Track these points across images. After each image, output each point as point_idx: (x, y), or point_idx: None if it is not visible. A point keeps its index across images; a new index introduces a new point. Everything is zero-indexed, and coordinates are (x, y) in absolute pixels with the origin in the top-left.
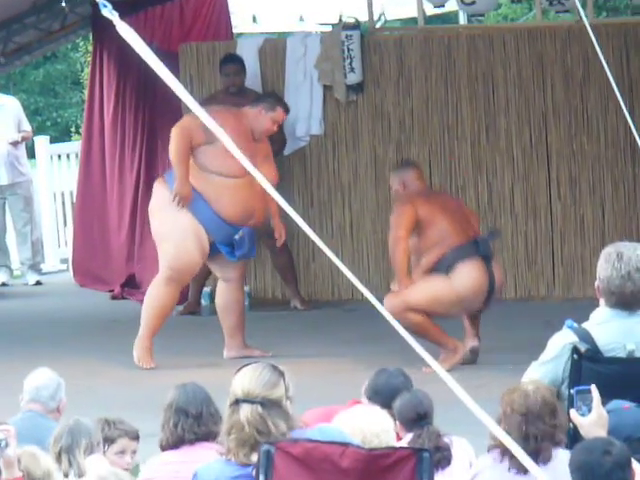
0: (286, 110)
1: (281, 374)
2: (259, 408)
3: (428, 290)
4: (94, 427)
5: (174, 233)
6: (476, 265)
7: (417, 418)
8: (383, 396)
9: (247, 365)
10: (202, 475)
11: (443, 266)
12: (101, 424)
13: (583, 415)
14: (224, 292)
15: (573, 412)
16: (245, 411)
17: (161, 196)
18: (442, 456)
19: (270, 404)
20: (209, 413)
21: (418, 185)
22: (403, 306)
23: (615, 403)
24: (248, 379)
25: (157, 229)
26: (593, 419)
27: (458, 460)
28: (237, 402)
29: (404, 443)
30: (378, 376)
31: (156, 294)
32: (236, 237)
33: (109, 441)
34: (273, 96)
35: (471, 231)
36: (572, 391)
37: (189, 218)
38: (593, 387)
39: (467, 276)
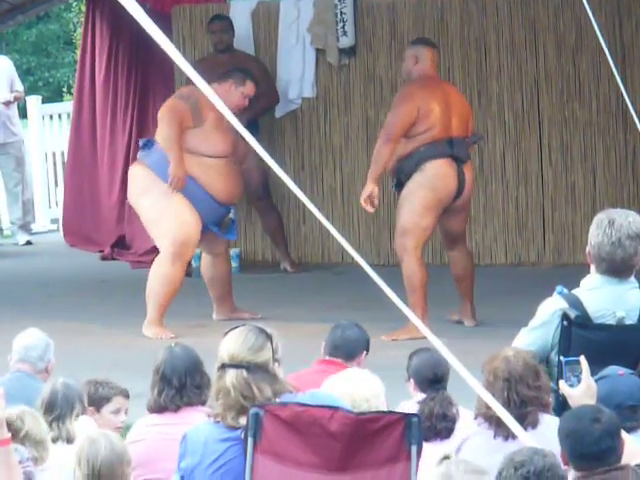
0: (255, 83)
1: (268, 337)
2: (244, 373)
3: (412, 206)
4: (81, 389)
5: (170, 210)
6: (445, 163)
7: (433, 379)
8: (344, 349)
9: (234, 328)
10: (191, 437)
11: (413, 160)
12: (93, 385)
13: (572, 386)
14: (211, 265)
15: (562, 383)
16: (230, 376)
17: (141, 179)
18: (445, 426)
19: (255, 368)
20: (193, 384)
21: (429, 67)
22: (406, 243)
23: (611, 369)
24: (234, 343)
25: (148, 212)
26: (582, 389)
27: (459, 433)
28: (223, 367)
29: (415, 402)
30: (334, 331)
31: (164, 274)
32: (231, 216)
33: (105, 400)
34: (242, 70)
35: (457, 131)
36: (562, 359)
37: (178, 195)
38: (582, 358)
39: (435, 170)
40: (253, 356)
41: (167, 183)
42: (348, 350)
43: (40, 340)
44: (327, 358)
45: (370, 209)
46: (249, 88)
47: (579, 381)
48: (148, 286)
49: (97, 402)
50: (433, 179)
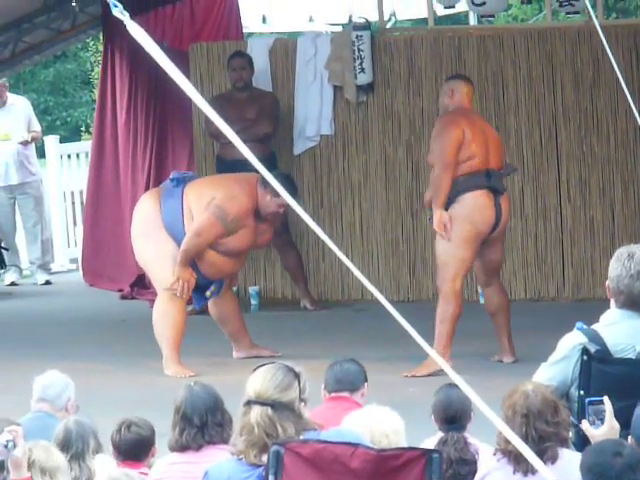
0: (293, 193)
1: (296, 376)
2: (269, 410)
3: (452, 242)
4: (95, 425)
5: (164, 251)
6: (483, 194)
7: (445, 419)
8: (347, 382)
9: (263, 365)
10: (213, 474)
11: (451, 192)
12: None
13: (595, 426)
14: (216, 303)
15: (585, 424)
16: (255, 413)
17: (145, 218)
18: (469, 470)
19: (281, 407)
20: (214, 422)
21: (465, 100)
22: (450, 283)
23: None
24: (261, 380)
25: (143, 253)
26: (605, 431)
27: (480, 469)
28: (249, 403)
29: (429, 444)
30: (333, 368)
31: (163, 313)
32: (207, 294)
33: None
34: (282, 179)
35: (494, 163)
36: (585, 400)
37: (173, 245)
38: (605, 399)
39: (474, 203)
40: (279, 394)
41: (168, 233)
42: (352, 382)
43: (58, 379)
44: (333, 395)
45: (447, 236)
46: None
47: (602, 422)
48: (154, 327)
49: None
50: (471, 211)
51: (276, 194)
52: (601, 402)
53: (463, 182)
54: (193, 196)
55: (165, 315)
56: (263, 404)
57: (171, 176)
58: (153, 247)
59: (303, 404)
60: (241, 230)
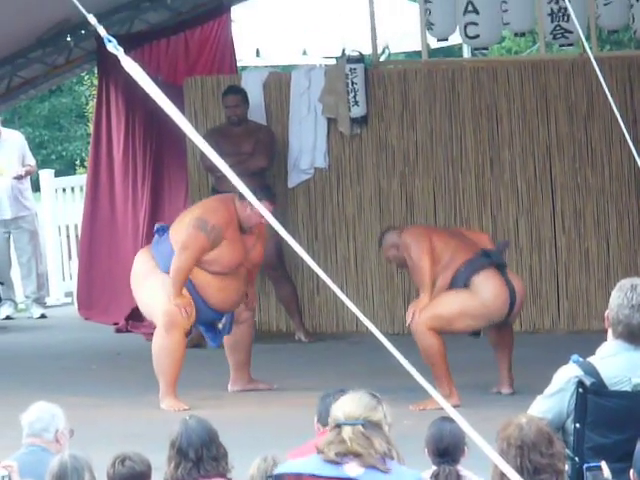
0: (272, 202)
1: (379, 401)
2: (361, 428)
3: (453, 302)
4: (90, 459)
5: (159, 289)
6: (491, 274)
7: (436, 453)
8: None
9: (341, 393)
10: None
11: (459, 282)
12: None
13: None
14: (234, 331)
15: None
16: (347, 431)
17: (142, 264)
18: None
19: (371, 425)
20: (210, 456)
21: (405, 230)
22: (426, 324)
23: None
24: (349, 403)
25: (143, 296)
26: None
27: None
28: (339, 426)
29: (426, 477)
30: (325, 400)
31: (162, 345)
32: (219, 325)
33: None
34: (258, 190)
35: (478, 247)
36: (583, 467)
37: None
38: (603, 464)
39: (486, 285)
40: (369, 413)
41: (166, 273)
42: None
43: (44, 412)
44: (326, 428)
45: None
46: (266, 206)
47: None
48: (153, 361)
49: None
50: (485, 295)
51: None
52: (599, 468)
53: (465, 270)
54: (176, 228)
55: (163, 349)
56: (354, 424)
57: (155, 229)
58: (148, 286)
59: (388, 428)
60: (226, 242)
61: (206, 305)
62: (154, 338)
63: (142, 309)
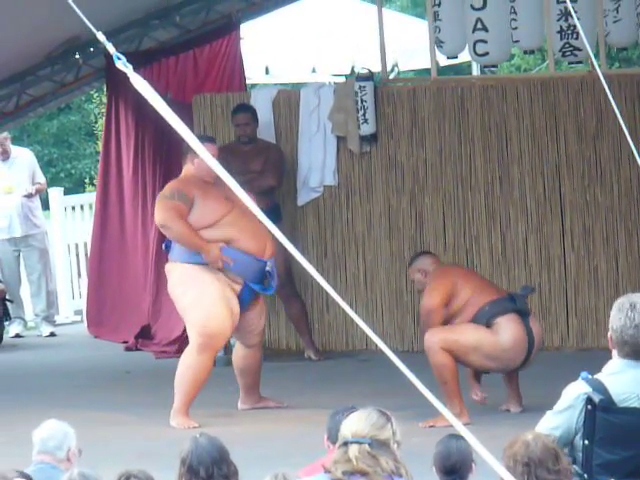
0: (211, 141)
1: (388, 419)
2: (367, 447)
3: (472, 333)
4: (99, 477)
5: (202, 301)
6: (514, 319)
7: (444, 470)
8: None
9: (351, 410)
10: None
11: (481, 320)
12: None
13: None
14: (244, 356)
15: None
16: (353, 449)
17: (177, 274)
18: None
19: (378, 444)
20: (220, 474)
21: (438, 267)
22: (440, 343)
23: None
24: (357, 421)
25: (181, 302)
26: None
27: None
28: (346, 444)
29: None
30: (335, 418)
31: (190, 364)
32: (268, 268)
33: None
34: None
35: (505, 291)
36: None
37: (214, 285)
38: None
39: (507, 329)
40: (376, 432)
41: (197, 266)
42: None
43: (57, 430)
44: (336, 445)
45: None
46: (209, 149)
47: None
48: (177, 375)
49: None
50: (504, 338)
51: (197, 154)
52: None
53: (490, 310)
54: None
55: (190, 368)
56: (361, 442)
57: (164, 246)
58: (190, 293)
59: (396, 446)
60: (199, 198)
61: (246, 254)
62: (184, 355)
63: (180, 314)
